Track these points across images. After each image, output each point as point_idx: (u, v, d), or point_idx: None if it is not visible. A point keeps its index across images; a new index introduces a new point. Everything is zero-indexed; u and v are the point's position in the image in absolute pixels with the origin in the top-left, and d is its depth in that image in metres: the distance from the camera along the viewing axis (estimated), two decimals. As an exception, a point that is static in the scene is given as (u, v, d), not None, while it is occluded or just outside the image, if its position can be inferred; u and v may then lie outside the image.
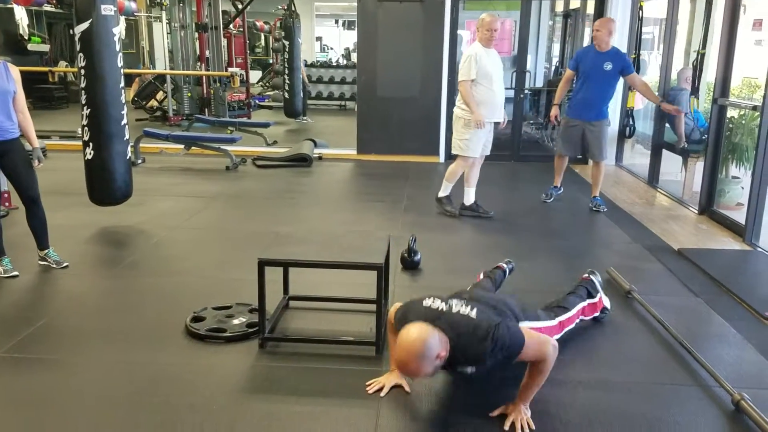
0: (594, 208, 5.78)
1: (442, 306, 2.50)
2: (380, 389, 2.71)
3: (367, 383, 2.74)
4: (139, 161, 7.35)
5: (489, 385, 2.79)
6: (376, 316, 3.05)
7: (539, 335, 2.57)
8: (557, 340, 2.90)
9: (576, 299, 3.25)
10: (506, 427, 2.48)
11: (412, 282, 4.01)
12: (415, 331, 2.35)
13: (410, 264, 4.18)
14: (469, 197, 5.53)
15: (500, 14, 8.38)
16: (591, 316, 3.34)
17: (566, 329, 3.11)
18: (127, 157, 4.89)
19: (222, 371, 2.86)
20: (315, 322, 3.41)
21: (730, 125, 5.78)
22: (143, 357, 2.99)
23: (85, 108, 4.63)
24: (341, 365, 2.93)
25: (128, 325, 3.31)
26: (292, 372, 2.87)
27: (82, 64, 4.55)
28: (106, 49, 4.54)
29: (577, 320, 3.22)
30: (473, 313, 2.44)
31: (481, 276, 3.59)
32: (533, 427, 2.48)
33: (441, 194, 5.58)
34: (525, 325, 2.67)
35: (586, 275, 3.48)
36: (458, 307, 2.48)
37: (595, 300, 3.35)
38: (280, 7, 11.93)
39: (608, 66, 5.58)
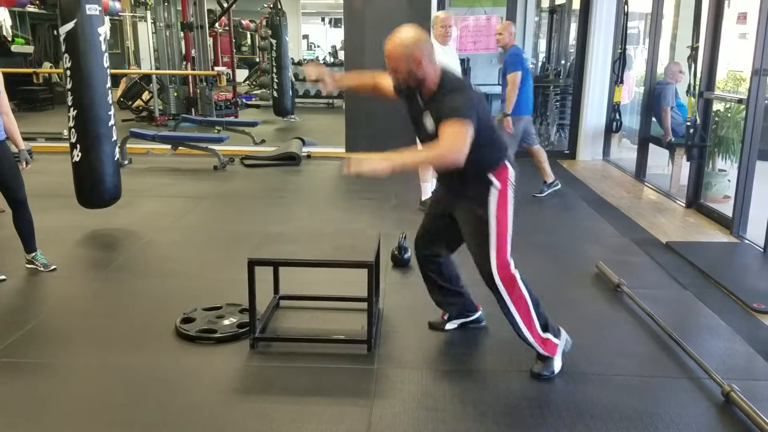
0: None
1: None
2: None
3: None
4: (126, 162, 7.30)
5: (483, 384, 2.79)
6: (367, 314, 3.04)
7: (463, 140, 2.46)
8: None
9: None
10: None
11: (403, 279, 4.01)
12: (416, 31, 2.62)
13: (401, 261, 4.18)
14: (427, 192, 5.42)
15: (486, 10, 8.41)
16: None
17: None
18: (115, 159, 4.86)
19: (213, 372, 2.85)
20: (306, 321, 3.40)
21: (716, 118, 5.82)
22: (133, 359, 2.97)
23: (71, 109, 4.59)
24: (333, 364, 2.92)
25: (118, 328, 3.29)
26: (283, 372, 2.86)
27: (68, 64, 4.51)
28: (91, 50, 4.50)
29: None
30: (465, 79, 2.62)
31: None
32: (359, 173, 2.44)
33: (424, 197, 5.48)
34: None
35: None
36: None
37: None
38: (265, 5, 11.91)
39: (502, 65, 5.95)
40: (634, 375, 2.88)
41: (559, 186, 6.12)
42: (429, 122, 2.65)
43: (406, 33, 2.61)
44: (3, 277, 3.87)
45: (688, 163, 5.72)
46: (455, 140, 2.46)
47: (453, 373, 2.86)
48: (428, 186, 5.53)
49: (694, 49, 5.69)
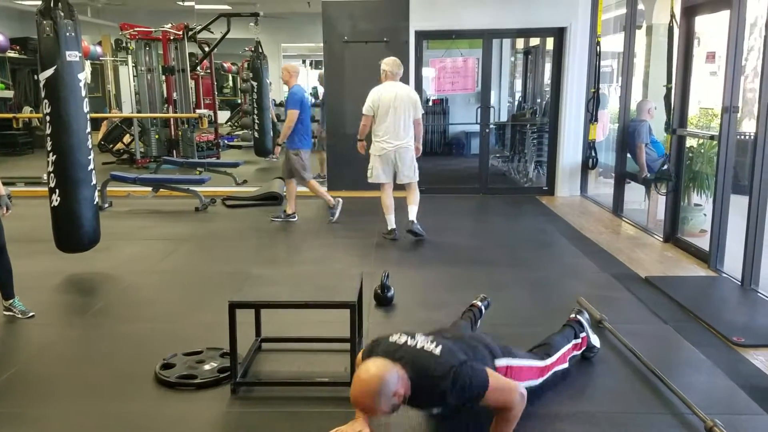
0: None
1: (408, 341, 2.47)
2: None
3: None
4: (106, 205, 7.26)
5: (468, 424, 2.77)
6: (350, 355, 3.03)
7: (508, 381, 2.49)
8: (543, 382, 2.90)
9: (562, 340, 3.17)
10: None
11: (386, 318, 4.01)
12: (373, 367, 2.32)
13: (384, 300, 4.18)
14: (392, 223, 5.93)
15: (463, 52, 8.59)
16: (575, 353, 3.26)
17: (554, 370, 3.02)
18: (95, 203, 4.83)
19: (193, 419, 2.81)
20: (288, 364, 3.37)
21: (690, 154, 5.95)
22: (113, 408, 2.92)
23: (51, 154, 4.56)
24: (316, 408, 2.89)
25: (97, 375, 3.24)
26: (265, 417, 2.83)
27: (48, 110, 4.50)
28: (71, 96, 4.50)
29: (565, 363, 3.12)
30: (437, 350, 2.41)
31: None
32: None
33: (390, 227, 5.91)
34: (505, 363, 2.66)
35: (574, 315, 3.37)
36: (423, 343, 2.45)
37: (579, 340, 3.26)
38: (246, 48, 12.03)
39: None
40: (618, 411, 2.88)
41: (341, 202, 6.68)
42: (434, 410, 2.59)
43: (375, 378, 2.28)
44: (-21, 325, 3.81)
45: (664, 197, 5.82)
46: (513, 395, 2.44)
47: (438, 415, 2.84)
48: (392, 218, 5.93)
49: (668, 89, 5.83)
